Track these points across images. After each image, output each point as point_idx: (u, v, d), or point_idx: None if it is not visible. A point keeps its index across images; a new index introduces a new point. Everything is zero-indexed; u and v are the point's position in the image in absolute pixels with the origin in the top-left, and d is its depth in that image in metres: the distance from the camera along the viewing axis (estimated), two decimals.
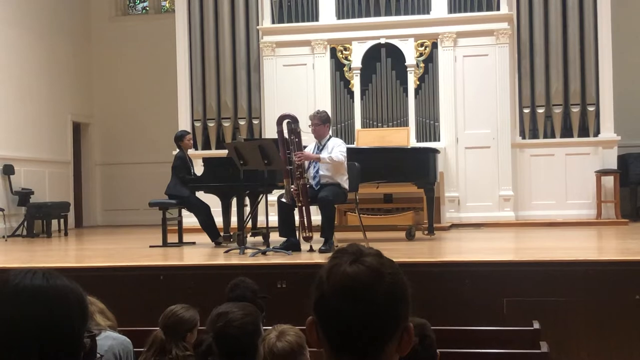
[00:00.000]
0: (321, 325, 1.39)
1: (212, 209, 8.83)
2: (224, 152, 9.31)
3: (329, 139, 7.77)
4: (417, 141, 11.04)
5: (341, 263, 1.38)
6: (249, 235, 8.52)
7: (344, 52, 11.43)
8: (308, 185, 7.47)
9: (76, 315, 1.41)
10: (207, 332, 2.94)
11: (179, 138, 9.32)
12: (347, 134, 11.14)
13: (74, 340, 1.40)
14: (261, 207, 8.56)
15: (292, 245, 7.41)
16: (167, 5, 14.91)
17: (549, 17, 11.36)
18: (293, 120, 7.39)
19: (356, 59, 11.33)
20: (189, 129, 11.65)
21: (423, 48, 11.26)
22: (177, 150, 9.28)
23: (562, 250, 7.36)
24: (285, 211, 7.56)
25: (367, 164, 8.34)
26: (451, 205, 11.09)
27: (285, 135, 7.40)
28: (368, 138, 10.85)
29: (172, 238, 8.89)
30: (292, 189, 7.31)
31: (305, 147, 7.61)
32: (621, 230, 9.99)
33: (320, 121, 7.76)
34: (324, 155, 7.56)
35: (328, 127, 7.89)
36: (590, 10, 11.21)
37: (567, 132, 11.35)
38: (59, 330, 1.37)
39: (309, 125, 7.78)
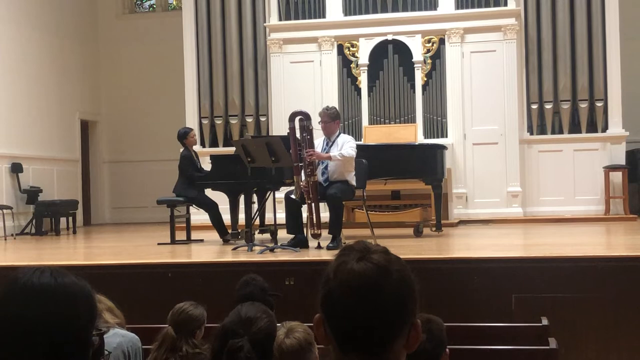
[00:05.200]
0: (329, 323, 1.39)
1: (219, 207, 8.83)
2: (231, 150, 9.30)
3: (338, 135, 7.76)
4: (425, 138, 11.02)
5: (348, 260, 1.38)
6: (256, 232, 8.52)
7: (351, 48, 11.41)
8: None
9: (84, 313, 1.42)
10: (230, 333, 2.75)
11: (183, 136, 9.14)
12: (354, 131, 11.11)
13: (82, 338, 1.41)
14: (269, 204, 8.56)
15: (299, 242, 7.41)
16: (174, 3, 14.92)
17: (557, 12, 11.31)
18: (305, 117, 7.34)
19: (363, 56, 11.31)
20: (196, 126, 11.65)
21: (430, 44, 11.24)
22: (182, 148, 9.15)
23: (571, 247, 7.34)
24: (293, 208, 7.55)
25: (374, 160, 8.32)
26: (459, 202, 11.07)
27: (297, 132, 7.39)
28: (375, 135, 10.84)
29: (180, 235, 8.91)
30: (302, 186, 7.30)
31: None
32: (630, 226, 9.94)
33: (329, 118, 7.74)
34: (334, 152, 7.54)
35: (338, 124, 7.87)
36: (598, 6, 11.15)
37: (575, 128, 11.30)
38: (67, 328, 1.38)
39: (319, 122, 7.77)
